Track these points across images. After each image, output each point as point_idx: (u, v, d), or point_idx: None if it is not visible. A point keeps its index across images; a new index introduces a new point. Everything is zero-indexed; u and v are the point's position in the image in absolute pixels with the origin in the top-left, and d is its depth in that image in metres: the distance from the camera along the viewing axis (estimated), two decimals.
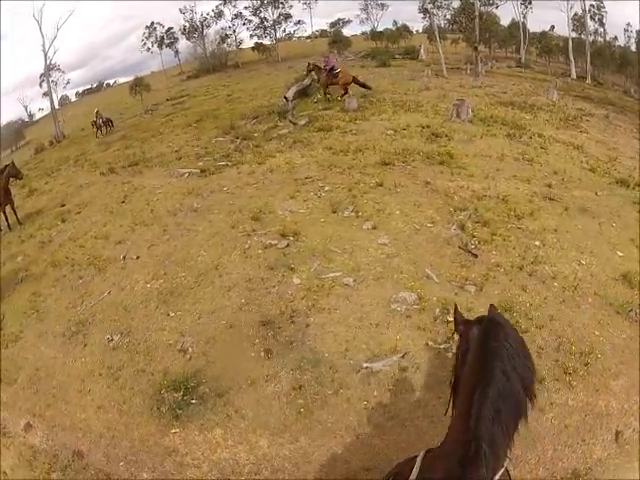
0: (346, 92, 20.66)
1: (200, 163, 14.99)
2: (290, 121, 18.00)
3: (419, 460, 2.67)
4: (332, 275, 8.06)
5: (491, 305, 2.89)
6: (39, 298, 9.24)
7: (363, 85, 21.24)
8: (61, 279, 9.49)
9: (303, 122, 17.72)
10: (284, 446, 5.65)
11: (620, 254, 8.86)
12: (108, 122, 26.36)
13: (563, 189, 11.52)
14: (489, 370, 2.34)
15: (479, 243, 8.72)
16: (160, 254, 9.56)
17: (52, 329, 8.37)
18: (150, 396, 6.53)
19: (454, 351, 3.03)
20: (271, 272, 8.36)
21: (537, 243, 8.84)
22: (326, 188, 11.29)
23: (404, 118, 17.21)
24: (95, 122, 26.34)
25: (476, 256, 8.36)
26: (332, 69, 20.95)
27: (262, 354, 6.75)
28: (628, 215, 10.52)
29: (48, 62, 31.58)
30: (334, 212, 10.04)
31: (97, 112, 26.31)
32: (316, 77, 21.85)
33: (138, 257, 9.51)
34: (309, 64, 22.39)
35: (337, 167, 12.44)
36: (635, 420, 5.75)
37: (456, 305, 3.01)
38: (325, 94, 21.21)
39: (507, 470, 2.55)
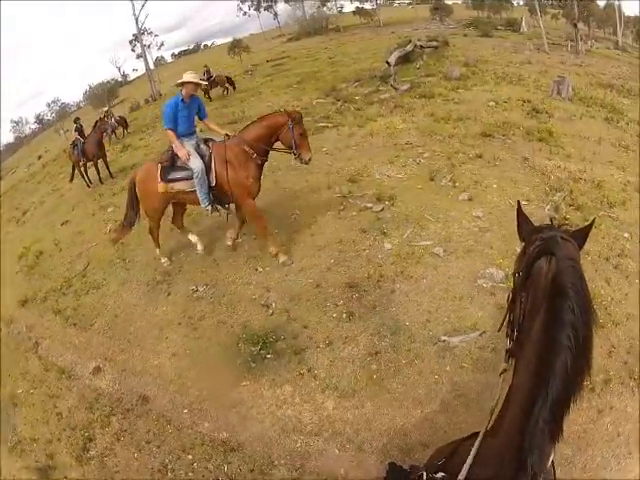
0: (226, 89, 25.60)
1: None
2: (392, 86, 18.15)
3: (477, 445, 2.44)
4: (423, 243, 7.95)
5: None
6: (128, 247, 9.55)
7: (231, 83, 25.72)
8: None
9: (405, 87, 17.83)
10: (349, 410, 5.65)
11: None
12: (122, 122, 23.06)
13: None
14: (557, 346, 2.02)
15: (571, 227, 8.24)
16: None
17: (137, 278, 8.66)
18: (227, 347, 6.65)
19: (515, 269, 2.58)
20: (363, 235, 8.33)
21: (626, 235, 8.38)
22: (425, 155, 11.21)
23: (505, 90, 17.10)
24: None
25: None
26: (210, 77, 25.03)
27: (344, 316, 6.72)
28: None
29: (140, 26, 33.10)
30: (431, 180, 9.93)
31: (107, 112, 23.62)
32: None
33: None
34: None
35: (437, 135, 12.34)
36: None
37: (519, 202, 2.71)
38: (208, 97, 24.58)
39: (553, 465, 2.40)
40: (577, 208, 8.92)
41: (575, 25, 30.62)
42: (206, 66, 26.07)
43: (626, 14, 38.81)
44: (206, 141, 7.80)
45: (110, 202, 12.72)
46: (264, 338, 6.51)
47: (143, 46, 35.13)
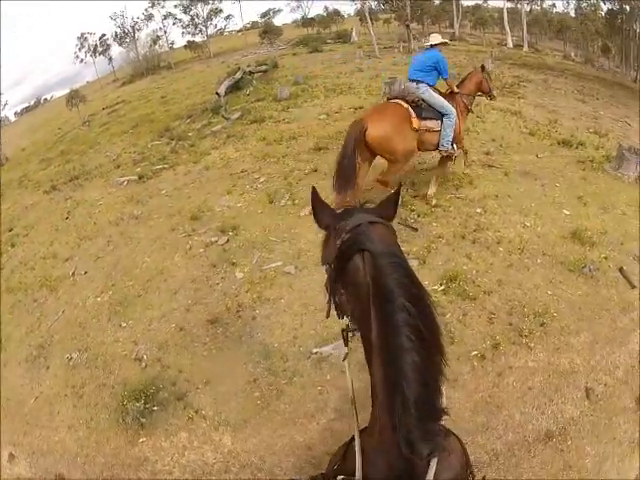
0: None
1: (138, 169, 15.19)
2: (223, 116, 18.47)
3: (359, 459, 2.26)
4: (274, 265, 8.21)
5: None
6: None
7: None
8: (17, 304, 9.44)
9: (236, 116, 18.23)
10: (248, 440, 5.75)
11: (567, 212, 9.07)
12: None
13: (502, 155, 11.87)
14: (399, 350, 1.87)
15: (418, 216, 8.87)
16: (106, 266, 9.59)
17: (15, 356, 8.36)
18: (114, 409, 6.57)
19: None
20: (214, 269, 8.48)
21: (478, 210, 9.06)
22: (261, 179, 11.53)
23: (336, 101, 17.91)
24: None
25: (416, 230, 8.38)
26: None
27: (214, 352, 6.87)
28: (573, 174, 10.81)
29: None
30: (271, 202, 10.22)
31: None
32: None
33: (86, 272, 9.55)
34: None
35: (271, 157, 12.73)
36: (605, 375, 5.84)
37: (314, 188, 2.49)
38: None
39: (458, 438, 2.43)
40: (422, 197, 9.50)
41: (408, 26, 32.12)
42: None
43: (465, 4, 41.25)
44: None
45: None
46: (145, 391, 6.49)
47: None
